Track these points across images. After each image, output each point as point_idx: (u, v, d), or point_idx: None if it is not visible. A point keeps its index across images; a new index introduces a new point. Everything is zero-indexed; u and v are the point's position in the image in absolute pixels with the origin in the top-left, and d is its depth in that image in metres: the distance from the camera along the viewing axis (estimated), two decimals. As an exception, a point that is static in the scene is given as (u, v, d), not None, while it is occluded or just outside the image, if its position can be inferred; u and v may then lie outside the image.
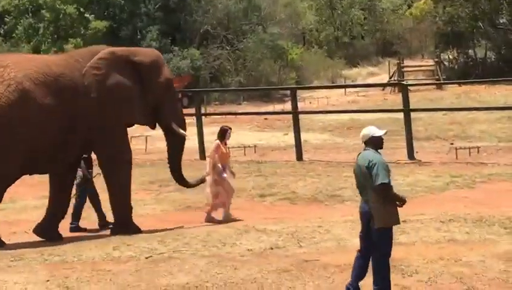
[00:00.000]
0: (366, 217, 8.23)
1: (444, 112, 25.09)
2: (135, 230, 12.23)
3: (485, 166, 17.25)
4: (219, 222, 12.76)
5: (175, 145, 13.19)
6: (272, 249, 10.31)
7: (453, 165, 17.43)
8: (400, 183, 14.81)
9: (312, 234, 10.98)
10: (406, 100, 19.43)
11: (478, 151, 18.92)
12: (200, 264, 9.55)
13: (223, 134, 13.39)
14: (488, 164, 17.48)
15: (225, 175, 13.20)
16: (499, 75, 35.82)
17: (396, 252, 8.44)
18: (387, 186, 8.11)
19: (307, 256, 9.81)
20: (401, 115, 20.19)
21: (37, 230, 12.28)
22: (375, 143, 8.42)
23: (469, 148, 18.96)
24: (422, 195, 14.26)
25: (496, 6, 40.65)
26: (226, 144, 13.50)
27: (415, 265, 9.16)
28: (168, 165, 13.44)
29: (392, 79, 39.34)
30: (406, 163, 17.83)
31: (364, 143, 8.44)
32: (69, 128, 12.06)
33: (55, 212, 12.37)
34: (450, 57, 42.63)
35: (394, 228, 8.17)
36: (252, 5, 45.38)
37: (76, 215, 13.05)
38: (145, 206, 14.32)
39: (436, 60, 40.00)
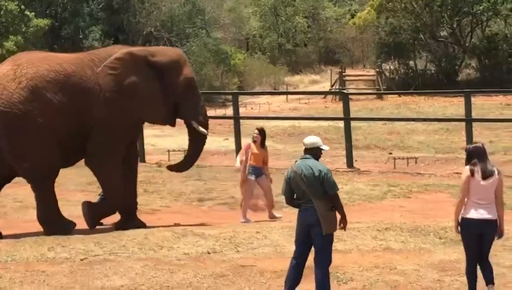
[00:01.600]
0: (307, 225, 8.27)
1: (383, 121, 25.35)
2: (140, 225, 12.46)
3: (422, 176, 17.46)
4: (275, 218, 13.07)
5: (195, 142, 13.22)
6: (208, 253, 10.28)
7: (391, 175, 17.62)
8: (346, 191, 14.94)
9: (249, 239, 10.98)
10: (346, 109, 19.58)
11: (416, 162, 19.14)
12: (136, 267, 9.48)
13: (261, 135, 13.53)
14: (425, 175, 17.70)
15: (252, 177, 13.19)
16: (438, 87, 36.40)
17: (332, 260, 8.48)
18: (337, 194, 8.27)
19: (243, 261, 9.81)
20: (341, 124, 20.35)
21: None
22: (317, 154, 8.50)
23: (407, 158, 19.18)
24: (360, 203, 14.39)
25: (437, 19, 41.28)
26: (263, 146, 13.51)
27: (351, 273, 9.23)
28: (184, 160, 13.49)
29: (334, 87, 39.64)
30: (344, 171, 17.96)
31: (307, 150, 8.48)
32: (78, 126, 12.23)
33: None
34: (391, 67, 43.14)
35: (330, 235, 8.26)
36: (196, 8, 45.30)
37: None
38: (82, 207, 14.13)
39: (377, 70, 40.43)
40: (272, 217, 13.20)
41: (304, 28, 45.18)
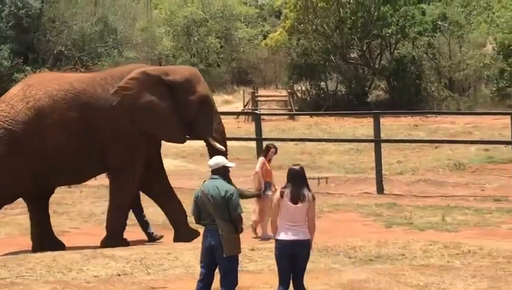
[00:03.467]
0: (211, 246, 8.28)
1: (295, 142, 25.57)
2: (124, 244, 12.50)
3: (332, 196, 17.66)
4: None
5: None
6: (119, 275, 10.16)
7: (302, 195, 17.73)
8: (250, 211, 14.95)
9: (160, 260, 10.90)
10: (258, 129, 19.69)
11: (326, 182, 19.34)
12: (44, 290, 9.30)
13: (267, 151, 13.65)
14: (335, 194, 17.91)
15: (269, 193, 13.15)
16: (348, 108, 36.92)
17: (243, 280, 8.51)
18: (241, 217, 8.31)
19: (154, 283, 9.74)
20: (253, 144, 20.43)
21: None
22: (224, 173, 8.53)
23: (318, 178, 19.35)
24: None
25: (347, 41, 41.94)
26: (270, 162, 13.59)
27: (262, 293, 9.25)
28: None
29: (246, 108, 39.79)
30: (256, 191, 17.99)
31: (214, 171, 8.51)
32: (86, 145, 12.42)
33: None
34: (303, 88, 43.57)
35: (241, 256, 8.26)
36: (108, 28, 44.96)
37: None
38: (-12, 229, 13.84)
39: (289, 90, 40.78)
40: (266, 238, 13.18)
41: (216, 49, 45.28)
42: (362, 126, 31.25)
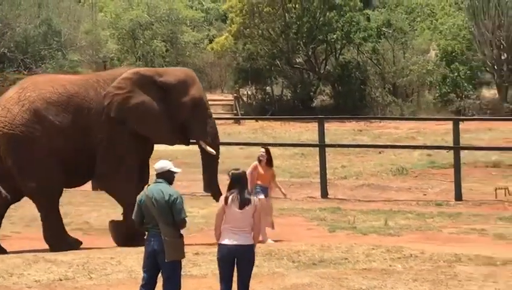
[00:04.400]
0: (153, 251, 8.25)
1: (240, 146, 25.57)
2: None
3: (277, 200, 17.67)
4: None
5: (206, 163, 13.34)
6: (61, 280, 10.07)
7: (247, 199, 17.74)
8: (194, 215, 14.95)
9: (104, 265, 10.82)
10: (203, 133, 19.61)
11: (272, 186, 19.35)
12: (-16, 296, 9.16)
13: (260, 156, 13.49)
14: (280, 199, 17.94)
15: (261, 196, 12.99)
16: (293, 113, 37.05)
17: (186, 285, 8.49)
18: (185, 221, 8.29)
19: (96, 288, 9.67)
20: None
21: None
22: (169, 177, 8.50)
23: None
24: (216, 228, 14.40)
25: (293, 46, 42.10)
26: (268, 165, 13.51)
27: (205, 298, 9.23)
28: (203, 179, 13.50)
29: (192, 112, 39.63)
30: (202, 195, 17.97)
31: (159, 175, 8.48)
32: (81, 147, 12.44)
33: None
34: (249, 92, 43.62)
35: (185, 260, 8.24)
36: (52, 30, 44.45)
37: None
38: None
39: (235, 95, 40.79)
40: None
41: (162, 52, 45.04)
42: (307, 131, 31.40)
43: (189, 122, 13.19)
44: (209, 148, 13.17)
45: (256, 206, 8.32)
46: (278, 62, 42.48)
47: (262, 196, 13.27)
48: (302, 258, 11.28)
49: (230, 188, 8.37)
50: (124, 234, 12.76)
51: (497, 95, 39.26)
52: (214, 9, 52.17)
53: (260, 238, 13.00)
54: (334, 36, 40.64)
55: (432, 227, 14.83)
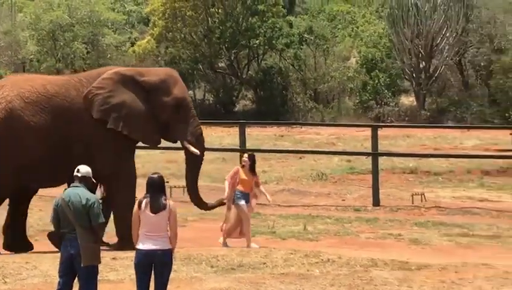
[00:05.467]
0: (70, 255, 8.16)
1: (161, 150, 25.44)
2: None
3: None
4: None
5: (189, 164, 13.24)
6: (-26, 285, 9.86)
7: (167, 203, 17.65)
8: (111, 219, 14.77)
9: (19, 269, 10.64)
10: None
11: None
12: None
13: (240, 159, 13.36)
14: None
15: (241, 202, 12.87)
16: (215, 117, 37.03)
17: (103, 290, 8.39)
18: (104, 225, 8.23)
19: (10, 293, 9.49)
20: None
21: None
22: (89, 182, 8.43)
23: (183, 187, 19.31)
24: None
25: (215, 51, 42.12)
26: (252, 171, 13.18)
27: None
28: (186, 185, 13.37)
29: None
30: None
31: (81, 179, 8.39)
32: (61, 146, 12.24)
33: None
34: (171, 96, 43.44)
35: (102, 265, 8.17)
36: (-31, 30, 43.53)
37: None
38: None
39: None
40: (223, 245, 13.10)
41: (83, 54, 44.50)
42: (229, 135, 31.44)
43: (172, 123, 13.12)
44: (192, 148, 13.14)
45: (172, 210, 8.29)
46: (201, 66, 42.45)
47: (243, 202, 13.22)
48: (220, 262, 11.29)
49: (146, 192, 8.32)
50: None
51: (415, 103, 39.97)
52: (136, 12, 51.80)
53: (246, 243, 13.07)
54: (257, 41, 40.82)
55: (349, 232, 15.01)
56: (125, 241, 12.39)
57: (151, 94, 13.03)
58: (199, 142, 13.42)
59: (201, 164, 13.67)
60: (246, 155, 13.79)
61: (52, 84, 12.84)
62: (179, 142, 13.61)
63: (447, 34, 38.44)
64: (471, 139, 29.14)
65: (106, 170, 12.60)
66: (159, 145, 14.27)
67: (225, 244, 13.25)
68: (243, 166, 13.54)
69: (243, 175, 13.36)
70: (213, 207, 13.93)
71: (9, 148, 12.30)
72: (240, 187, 13.29)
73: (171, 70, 14.52)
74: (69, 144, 12.57)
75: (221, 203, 13.59)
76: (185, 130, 13.25)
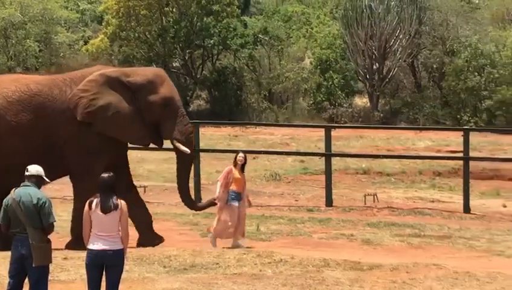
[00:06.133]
0: (20, 255, 8.07)
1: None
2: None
3: (151, 205, 17.53)
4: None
5: (180, 163, 13.10)
6: None
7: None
8: (64, 219, 14.65)
9: (-33, 271, 10.48)
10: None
11: (145, 191, 19.28)
12: None
13: (234, 159, 13.16)
14: (154, 203, 17.87)
15: (234, 203, 12.76)
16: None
17: (53, 291, 8.31)
18: (53, 225, 8.15)
19: (-41, 294, 9.35)
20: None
21: None
22: (39, 182, 8.35)
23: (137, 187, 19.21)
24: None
25: (169, 50, 41.99)
26: (243, 171, 13.06)
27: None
28: (177, 185, 13.20)
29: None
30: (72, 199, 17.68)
31: (30, 178, 8.31)
32: (44, 147, 12.10)
33: None
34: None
35: (54, 265, 8.10)
36: None
37: None
38: None
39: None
40: (236, 246, 12.88)
41: (35, 52, 44.03)
42: (182, 135, 31.27)
43: (160, 122, 13.02)
44: (182, 147, 13.03)
45: (123, 210, 8.24)
46: (155, 66, 42.21)
47: (236, 203, 13.11)
48: (173, 263, 11.25)
49: (97, 192, 8.26)
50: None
51: (368, 104, 40.27)
52: (90, 11, 51.43)
53: (241, 242, 13.01)
54: (211, 41, 40.78)
55: (302, 232, 15.07)
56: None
57: (137, 94, 12.92)
58: (189, 141, 13.29)
59: (192, 163, 13.64)
60: (241, 154, 13.68)
61: (37, 83, 12.78)
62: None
63: (400, 36, 38.80)
64: (424, 141, 29.45)
65: (80, 169, 12.62)
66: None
67: (214, 244, 13.18)
68: (235, 165, 13.42)
69: (236, 174, 13.26)
70: (204, 207, 13.87)
71: None
72: (233, 187, 13.18)
73: (158, 69, 14.57)
74: (51, 144, 12.50)
75: (211, 204, 13.49)
76: (173, 129, 13.12)
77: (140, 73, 13.40)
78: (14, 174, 12.26)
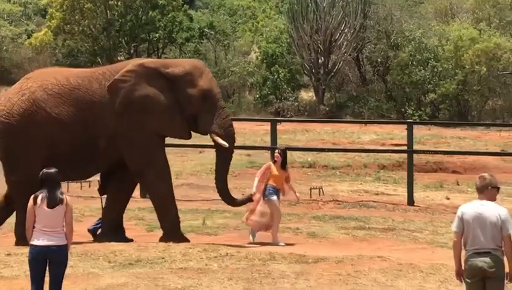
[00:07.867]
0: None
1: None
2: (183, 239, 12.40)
3: (95, 200, 17.38)
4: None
5: (218, 157, 12.86)
6: None
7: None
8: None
9: None
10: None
11: (90, 186, 19.13)
12: None
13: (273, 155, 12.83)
14: (99, 198, 17.69)
15: (274, 197, 12.65)
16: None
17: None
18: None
19: None
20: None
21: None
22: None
23: (81, 182, 19.08)
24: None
25: (115, 44, 41.74)
26: (283, 167, 12.95)
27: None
28: (214, 181, 12.99)
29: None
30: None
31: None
32: (83, 138, 12.06)
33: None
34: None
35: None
36: None
37: None
38: None
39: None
40: (275, 244, 12.81)
41: (-23, 46, 43.53)
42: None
43: (199, 115, 12.74)
44: (221, 141, 12.72)
45: (68, 205, 8.16)
46: (99, 59, 41.97)
47: (274, 197, 13.03)
48: (118, 258, 11.17)
49: (41, 187, 8.17)
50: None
51: (314, 98, 40.51)
52: (33, 4, 50.82)
53: (271, 240, 12.91)
54: (157, 35, 40.64)
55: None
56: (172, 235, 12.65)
57: (176, 86, 12.66)
58: (228, 134, 12.93)
59: (231, 157, 13.25)
60: (277, 151, 13.60)
61: (76, 77, 12.65)
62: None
63: (345, 30, 39.10)
64: (368, 134, 29.69)
65: (134, 165, 12.53)
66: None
67: (254, 236, 13.20)
68: (274, 161, 13.37)
69: (274, 171, 13.15)
70: (242, 203, 13.60)
71: (35, 138, 12.24)
72: (271, 182, 13.09)
73: (197, 61, 14.05)
74: (90, 138, 12.35)
75: (250, 199, 13.32)
76: (213, 122, 12.82)
77: (179, 64, 13.08)
78: (58, 164, 12.13)
